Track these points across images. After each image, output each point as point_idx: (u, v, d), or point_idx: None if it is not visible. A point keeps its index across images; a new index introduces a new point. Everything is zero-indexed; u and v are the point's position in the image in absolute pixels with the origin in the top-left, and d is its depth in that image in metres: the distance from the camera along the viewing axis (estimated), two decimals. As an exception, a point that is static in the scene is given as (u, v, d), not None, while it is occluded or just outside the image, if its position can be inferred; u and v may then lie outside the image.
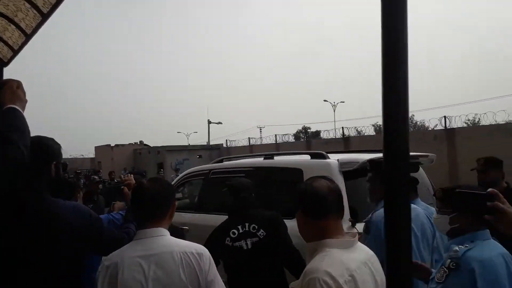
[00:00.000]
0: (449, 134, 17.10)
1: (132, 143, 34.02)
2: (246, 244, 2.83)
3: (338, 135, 24.00)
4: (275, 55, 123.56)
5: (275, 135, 25.21)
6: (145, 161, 30.45)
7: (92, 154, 37.37)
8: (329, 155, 4.12)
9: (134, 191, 1.86)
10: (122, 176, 3.13)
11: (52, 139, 1.90)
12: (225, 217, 4.36)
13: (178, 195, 5.78)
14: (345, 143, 20.97)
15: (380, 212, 2.43)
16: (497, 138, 15.53)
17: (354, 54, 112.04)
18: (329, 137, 23.61)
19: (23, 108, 1.55)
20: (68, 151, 33.02)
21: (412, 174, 4.11)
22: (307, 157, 3.95)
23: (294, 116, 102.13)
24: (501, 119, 20.07)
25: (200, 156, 29.14)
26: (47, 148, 1.82)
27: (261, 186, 4.36)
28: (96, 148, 34.24)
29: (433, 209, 2.72)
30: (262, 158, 4.41)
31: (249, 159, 4.81)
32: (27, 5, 2.87)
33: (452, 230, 1.89)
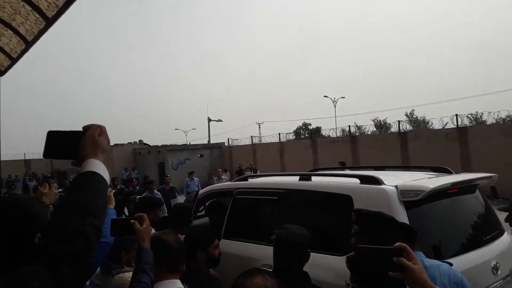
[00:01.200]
0: (461, 133, 16.56)
1: (131, 142, 33.29)
2: None
3: (339, 132, 23.51)
4: (273, 50, 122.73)
5: (279, 133, 24.63)
6: (146, 161, 29.80)
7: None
8: (376, 173, 3.58)
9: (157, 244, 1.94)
10: (122, 177, 2.64)
11: (36, 200, 1.43)
12: (254, 246, 3.83)
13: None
14: (352, 142, 20.43)
15: None
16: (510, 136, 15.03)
17: (352, 49, 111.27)
18: (334, 136, 23.07)
19: (107, 160, 1.20)
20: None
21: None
22: (355, 180, 3.38)
23: (293, 112, 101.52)
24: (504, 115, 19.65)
25: (201, 155, 28.55)
26: (29, 214, 1.30)
27: (297, 213, 3.83)
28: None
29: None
30: (298, 179, 3.84)
31: (280, 178, 4.25)
32: (27, 7, 2.29)
33: None
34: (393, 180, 3.27)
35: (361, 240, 2.12)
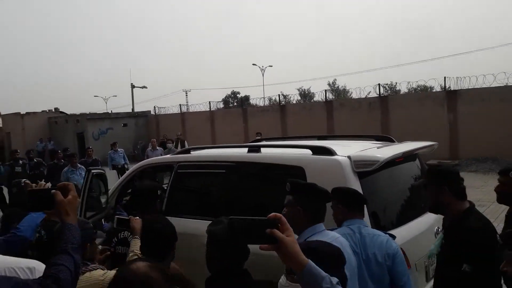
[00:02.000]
0: (382, 102, 17.54)
1: (46, 111, 30.38)
2: None
3: (267, 100, 23.73)
4: (200, 15, 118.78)
5: (209, 102, 24.11)
6: (63, 131, 27.48)
7: (-3, 124, 32.92)
8: (326, 144, 3.52)
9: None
10: (37, 149, 2.35)
11: None
12: (201, 222, 3.61)
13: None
14: (281, 111, 20.70)
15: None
16: (428, 106, 16.25)
17: (281, 14, 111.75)
18: (263, 105, 23.21)
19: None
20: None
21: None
22: (307, 151, 3.28)
23: (221, 80, 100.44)
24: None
25: (125, 125, 27.09)
26: None
27: (247, 187, 3.65)
28: (3, 117, 30.19)
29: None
30: (246, 151, 3.64)
31: (227, 151, 4.00)
32: None
33: None
34: (344, 150, 3.21)
35: (294, 210, 2.17)
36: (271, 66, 47.02)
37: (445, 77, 16.21)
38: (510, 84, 15.34)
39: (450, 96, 15.74)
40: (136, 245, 2.43)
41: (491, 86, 15.10)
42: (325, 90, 19.70)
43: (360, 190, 2.93)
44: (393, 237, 2.47)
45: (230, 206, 3.59)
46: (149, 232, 2.28)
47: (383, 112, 17.26)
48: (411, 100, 17.21)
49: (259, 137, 10.76)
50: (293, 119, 20.08)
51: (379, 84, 18.07)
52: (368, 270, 2.28)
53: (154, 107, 27.49)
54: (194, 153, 4.11)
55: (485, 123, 14.52)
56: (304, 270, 1.22)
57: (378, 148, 3.38)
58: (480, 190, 10.42)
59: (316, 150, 3.22)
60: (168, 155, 4.48)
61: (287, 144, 3.58)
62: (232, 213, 3.44)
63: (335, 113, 18.68)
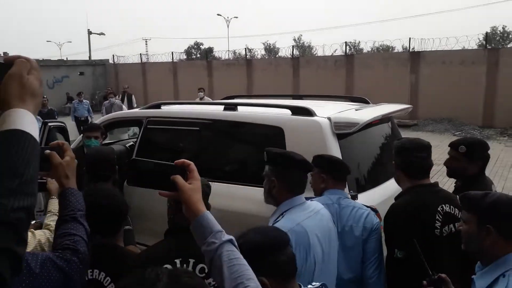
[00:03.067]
0: (348, 60, 17.60)
1: (-7, 55, 28.27)
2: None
3: (231, 54, 23.16)
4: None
5: (172, 52, 23.17)
6: (13, 78, 25.80)
7: None
8: (305, 104, 3.45)
9: None
10: None
11: None
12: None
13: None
14: (247, 66, 20.33)
15: (281, 226, 1.77)
16: (392, 66, 16.50)
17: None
18: (228, 58, 22.67)
19: (37, 108, 0.91)
20: None
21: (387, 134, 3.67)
22: (286, 111, 3.20)
23: (184, 30, 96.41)
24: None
25: (82, 73, 25.69)
26: None
27: (223, 145, 3.56)
28: None
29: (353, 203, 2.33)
30: (222, 108, 3.51)
31: (202, 107, 3.84)
32: None
33: None
34: (323, 111, 3.17)
35: (269, 181, 2.00)
36: (236, 17, 45.71)
37: (410, 38, 16.41)
38: (469, 48, 15.80)
39: (414, 57, 16.03)
40: (53, 204, 2.04)
41: (453, 49, 15.48)
42: (292, 46, 19.46)
43: (339, 152, 2.93)
44: (375, 211, 2.40)
45: (204, 165, 3.51)
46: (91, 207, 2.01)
47: (348, 71, 17.38)
48: (376, 59, 17.37)
49: (201, 93, 11.03)
50: (259, 74, 19.82)
51: (345, 42, 18.05)
52: (342, 242, 2.18)
53: (113, 55, 26.17)
54: (165, 108, 3.94)
55: (444, 85, 15.02)
56: (196, 219, 1.14)
57: (356, 110, 3.36)
58: (436, 150, 10.93)
59: (295, 111, 3.15)
60: (137, 109, 4.24)
61: (265, 104, 3.46)
62: (207, 173, 3.40)
63: (301, 70, 18.60)
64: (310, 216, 1.91)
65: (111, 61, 26.61)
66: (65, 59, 28.26)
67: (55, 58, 31.29)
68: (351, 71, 17.33)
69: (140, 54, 25.01)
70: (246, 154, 3.46)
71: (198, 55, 53.55)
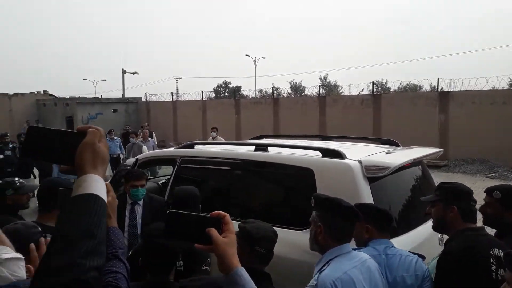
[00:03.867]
0: (375, 100, 17.63)
1: (34, 92, 29.84)
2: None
3: (258, 92, 23.61)
4: (195, 2, 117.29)
5: (201, 91, 23.93)
6: (51, 114, 27.04)
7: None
8: (335, 146, 3.50)
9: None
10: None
11: None
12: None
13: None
14: (274, 104, 20.67)
15: (327, 274, 1.80)
16: (420, 105, 16.39)
17: (275, 10, 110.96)
18: (255, 96, 23.16)
19: (105, 172, 1.00)
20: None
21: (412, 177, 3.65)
22: (316, 153, 3.27)
23: (213, 69, 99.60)
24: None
25: (115, 110, 26.77)
26: None
27: (253, 186, 3.64)
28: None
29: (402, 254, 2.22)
30: (253, 149, 3.62)
31: (233, 148, 3.97)
32: None
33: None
34: (353, 154, 3.22)
35: (316, 228, 1.97)
36: (263, 57, 46.87)
37: (438, 78, 16.36)
38: (501, 88, 15.58)
39: (443, 97, 15.90)
40: None
41: (483, 89, 15.30)
42: (319, 86, 19.71)
43: (371, 195, 2.95)
44: (423, 257, 2.32)
45: (235, 204, 3.59)
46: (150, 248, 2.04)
47: (375, 110, 17.37)
48: (404, 99, 17.33)
49: (214, 132, 10.06)
50: (285, 112, 20.08)
51: (372, 82, 18.15)
52: None
53: (146, 93, 27.26)
54: (199, 148, 4.08)
55: (475, 125, 14.74)
56: (229, 275, 1.13)
57: (387, 153, 3.39)
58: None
59: (326, 153, 3.22)
60: (171, 149, 4.41)
61: (295, 145, 3.54)
62: (238, 211, 3.47)
63: (327, 108, 18.73)
64: (357, 266, 1.87)
65: (143, 99, 27.64)
66: (100, 96, 29.57)
67: (91, 95, 32.76)
68: (378, 111, 17.31)
69: (172, 92, 25.94)
70: (276, 194, 3.52)
71: (226, 94, 54.93)
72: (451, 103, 15.69)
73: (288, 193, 3.44)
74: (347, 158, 3.11)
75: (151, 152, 4.63)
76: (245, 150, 3.71)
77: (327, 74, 60.58)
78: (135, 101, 27.93)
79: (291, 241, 3.05)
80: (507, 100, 14.56)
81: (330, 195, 2.09)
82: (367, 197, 2.93)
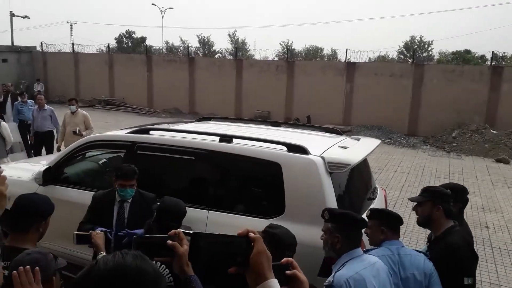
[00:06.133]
0: (289, 66, 18.31)
1: None
2: None
3: (164, 44, 22.76)
4: None
5: (108, 44, 22.18)
6: None
7: None
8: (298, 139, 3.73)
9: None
10: None
11: None
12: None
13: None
14: (190, 64, 20.19)
15: (342, 274, 2.17)
16: (330, 75, 17.50)
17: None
18: (169, 53, 22.27)
19: None
20: None
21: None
22: (282, 147, 3.50)
23: (113, 16, 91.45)
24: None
25: (5, 60, 23.52)
26: None
27: (217, 177, 3.75)
28: None
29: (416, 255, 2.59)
30: (218, 139, 3.70)
31: (193, 136, 3.93)
32: None
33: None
34: (314, 149, 3.51)
35: (333, 238, 2.30)
36: (171, 8, 44.64)
37: (346, 49, 17.54)
38: (399, 62, 17.35)
39: (350, 68, 17.17)
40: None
41: (384, 61, 16.88)
42: (235, 48, 19.70)
43: (332, 189, 3.32)
44: (427, 255, 2.63)
45: (200, 195, 3.69)
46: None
47: (289, 76, 18.10)
48: (315, 67, 18.30)
49: (73, 106, 7.75)
50: (201, 73, 19.80)
51: (287, 48, 18.75)
52: None
53: (41, 43, 24.30)
54: (156, 134, 4.03)
55: (375, 95, 16.34)
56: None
57: (341, 147, 3.77)
58: (370, 157, 11.97)
59: (292, 148, 3.46)
60: (122, 133, 4.22)
61: (261, 138, 3.69)
62: (203, 201, 3.59)
63: (244, 72, 18.95)
64: (367, 268, 2.22)
65: (38, 48, 24.69)
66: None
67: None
68: (292, 77, 18.07)
69: (72, 43, 23.56)
70: (240, 185, 3.71)
71: (130, 44, 51.46)
72: (357, 74, 17.05)
73: (255, 184, 3.66)
74: (311, 154, 3.40)
75: (96, 136, 4.39)
76: (210, 140, 3.76)
77: (236, 31, 60.14)
78: (29, 50, 24.79)
79: (260, 228, 3.32)
80: (404, 73, 16.31)
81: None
82: (329, 190, 3.28)
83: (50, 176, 4.21)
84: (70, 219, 3.65)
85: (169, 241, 1.32)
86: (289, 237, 2.33)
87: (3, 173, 1.41)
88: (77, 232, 2.56)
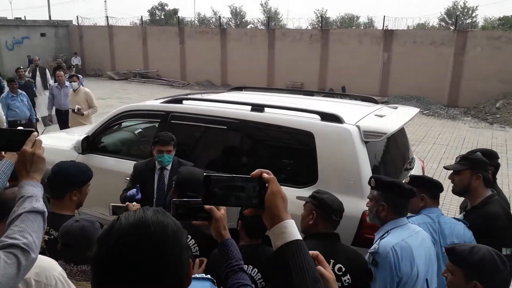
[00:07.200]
0: (323, 35, 17.78)
1: None
2: None
3: (197, 17, 22.56)
4: None
5: (141, 16, 22.29)
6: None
7: None
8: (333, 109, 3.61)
9: None
10: None
11: None
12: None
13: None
14: (222, 35, 20.01)
15: (388, 241, 2.14)
16: (366, 43, 16.86)
17: None
18: (201, 26, 22.13)
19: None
20: None
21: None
22: (315, 116, 3.41)
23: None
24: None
25: (43, 35, 24.22)
26: None
27: (252, 146, 3.74)
28: None
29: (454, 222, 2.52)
30: (250, 109, 3.66)
31: (225, 106, 3.92)
32: None
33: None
34: (349, 118, 3.40)
35: (379, 205, 2.26)
36: (204, -21, 43.94)
37: (384, 16, 16.76)
38: (440, 29, 16.44)
39: (387, 36, 16.46)
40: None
41: (424, 29, 16.03)
42: (268, 17, 19.29)
43: (367, 159, 3.22)
44: (466, 224, 2.56)
45: (228, 164, 3.69)
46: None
47: (323, 45, 17.60)
48: (351, 36, 17.65)
49: (75, 83, 7.14)
50: (233, 44, 19.62)
51: (321, 16, 18.13)
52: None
53: (77, 16, 24.76)
54: (188, 104, 4.03)
55: (414, 64, 15.65)
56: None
57: (378, 116, 3.63)
58: (407, 128, 11.60)
59: (325, 117, 3.38)
60: (156, 102, 4.27)
61: (293, 107, 3.61)
62: (233, 172, 3.59)
63: (276, 42, 18.59)
64: (412, 235, 2.20)
65: (74, 22, 25.20)
66: (24, 18, 26.44)
67: (3, 13, 29.02)
68: (326, 46, 17.56)
69: (107, 16, 23.87)
70: (273, 155, 3.67)
71: (162, 17, 51.56)
72: (394, 42, 16.33)
73: (287, 154, 3.62)
74: (345, 123, 3.30)
75: (135, 105, 4.46)
76: (242, 110, 3.73)
77: (268, 0, 58.86)
78: (65, 24, 25.36)
79: (291, 197, 3.30)
80: (445, 41, 15.46)
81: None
82: (364, 160, 3.19)
83: (88, 145, 4.34)
84: (108, 186, 3.78)
85: (207, 206, 1.36)
86: (336, 203, 2.30)
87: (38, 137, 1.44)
88: (113, 204, 2.52)
